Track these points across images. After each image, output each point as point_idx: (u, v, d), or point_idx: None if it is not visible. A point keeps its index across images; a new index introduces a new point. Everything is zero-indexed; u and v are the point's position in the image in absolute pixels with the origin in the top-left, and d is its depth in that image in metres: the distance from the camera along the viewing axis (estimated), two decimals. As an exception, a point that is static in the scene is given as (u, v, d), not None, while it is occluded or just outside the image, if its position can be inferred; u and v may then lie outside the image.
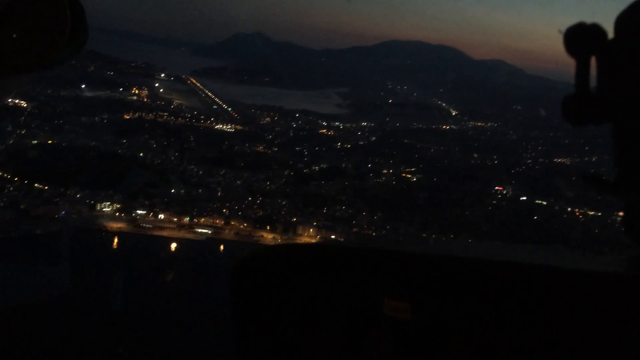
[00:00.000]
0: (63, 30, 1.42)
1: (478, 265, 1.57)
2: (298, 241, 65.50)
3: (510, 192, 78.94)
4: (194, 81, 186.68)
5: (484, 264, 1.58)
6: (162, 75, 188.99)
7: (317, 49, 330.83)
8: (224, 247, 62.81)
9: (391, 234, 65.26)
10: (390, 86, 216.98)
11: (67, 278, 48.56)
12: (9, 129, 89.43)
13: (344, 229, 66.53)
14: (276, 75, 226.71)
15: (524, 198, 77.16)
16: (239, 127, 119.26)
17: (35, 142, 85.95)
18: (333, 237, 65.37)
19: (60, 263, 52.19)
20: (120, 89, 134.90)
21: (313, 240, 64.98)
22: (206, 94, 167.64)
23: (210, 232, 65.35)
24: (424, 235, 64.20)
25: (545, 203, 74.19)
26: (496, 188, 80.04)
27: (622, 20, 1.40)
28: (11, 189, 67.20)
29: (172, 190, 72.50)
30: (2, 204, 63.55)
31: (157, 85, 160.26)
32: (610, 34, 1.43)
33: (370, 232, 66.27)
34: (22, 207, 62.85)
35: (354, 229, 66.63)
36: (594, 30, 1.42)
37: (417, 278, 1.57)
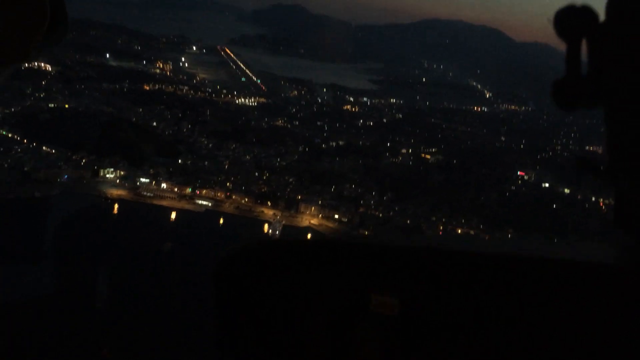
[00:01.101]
0: (41, 22, 1.37)
1: (465, 258, 1.54)
2: (299, 218, 63.42)
3: (533, 178, 74.94)
4: (227, 51, 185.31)
5: (471, 257, 1.55)
6: (194, 48, 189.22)
7: (355, 24, 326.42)
8: (223, 220, 60.88)
9: (399, 215, 62.51)
10: (425, 65, 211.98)
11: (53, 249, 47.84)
12: (29, 91, 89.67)
13: (348, 208, 63.95)
14: (312, 47, 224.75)
15: (547, 185, 73.08)
16: (262, 100, 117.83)
17: (52, 105, 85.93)
18: (336, 216, 63.00)
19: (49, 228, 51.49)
20: (144, 62, 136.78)
21: (314, 220, 62.91)
22: (237, 66, 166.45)
23: (210, 204, 63.67)
24: (434, 218, 61.42)
25: (568, 191, 70.00)
26: (519, 173, 76.10)
27: (614, 3, 1.35)
28: (19, 150, 66.90)
29: (179, 161, 71.01)
30: (6, 165, 62.83)
31: (183, 59, 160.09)
32: (602, 16, 1.38)
33: (376, 212, 63.58)
34: (25, 169, 62.19)
35: (360, 209, 63.99)
36: (585, 12, 1.37)
37: (404, 273, 1.53)
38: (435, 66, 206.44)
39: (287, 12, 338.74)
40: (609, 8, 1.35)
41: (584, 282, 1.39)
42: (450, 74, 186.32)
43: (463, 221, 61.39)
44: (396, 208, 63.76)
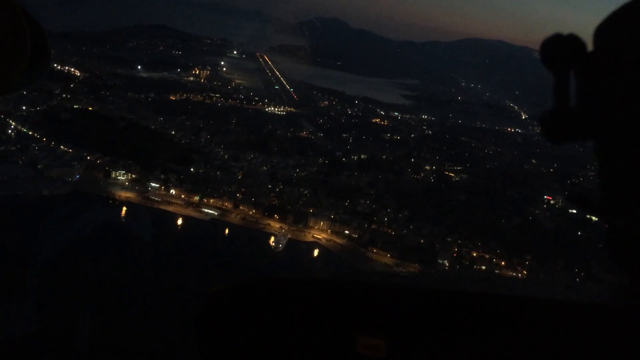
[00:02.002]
0: (22, 57, 1.36)
1: (455, 298, 1.50)
2: (307, 233, 61.36)
3: (560, 203, 71.36)
4: (266, 59, 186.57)
5: (461, 297, 1.51)
6: (235, 52, 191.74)
7: (395, 39, 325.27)
8: (226, 230, 59.42)
9: (412, 234, 59.96)
10: (463, 83, 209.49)
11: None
12: (57, 91, 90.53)
13: (360, 224, 61.58)
14: (349, 60, 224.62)
15: (573, 211, 69.41)
16: (292, 109, 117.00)
17: (76, 106, 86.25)
18: (347, 231, 60.65)
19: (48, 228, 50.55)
20: (178, 70, 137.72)
21: (322, 234, 60.76)
22: (273, 73, 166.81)
23: (216, 213, 62.25)
24: (449, 239, 58.53)
25: (595, 219, 66.24)
26: (545, 197, 72.63)
27: (602, 31, 1.30)
28: (36, 148, 67.01)
29: (192, 169, 69.84)
30: (20, 162, 63.09)
31: (222, 63, 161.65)
32: (590, 45, 1.33)
33: (389, 230, 61.10)
34: (39, 167, 62.41)
35: (373, 226, 61.57)
36: (572, 41, 1.31)
37: (391, 314, 1.49)
38: (472, 85, 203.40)
39: (328, 25, 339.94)
40: (597, 37, 1.30)
41: (573, 323, 1.35)
42: (487, 94, 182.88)
43: (480, 244, 58.35)
44: (411, 227, 61.13)
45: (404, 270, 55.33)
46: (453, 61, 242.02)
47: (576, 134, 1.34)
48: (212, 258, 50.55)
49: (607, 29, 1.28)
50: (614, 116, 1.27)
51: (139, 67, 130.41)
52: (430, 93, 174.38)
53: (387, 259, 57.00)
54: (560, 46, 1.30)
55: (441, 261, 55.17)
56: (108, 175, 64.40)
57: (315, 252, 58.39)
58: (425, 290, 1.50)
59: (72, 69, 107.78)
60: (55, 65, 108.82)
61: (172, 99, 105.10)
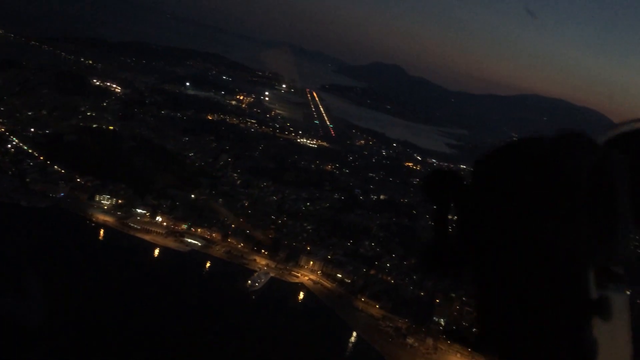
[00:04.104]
0: None
1: None
2: (296, 273, 55.73)
3: None
4: (314, 95, 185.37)
5: None
6: (284, 85, 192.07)
7: (451, 89, 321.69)
8: (205, 264, 53.92)
9: (412, 284, 53.65)
10: (515, 138, 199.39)
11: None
12: (83, 109, 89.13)
13: (357, 268, 55.41)
14: (400, 105, 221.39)
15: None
16: (325, 143, 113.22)
17: (95, 125, 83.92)
18: (339, 275, 54.55)
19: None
20: (223, 92, 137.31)
21: (312, 276, 54.96)
22: (317, 108, 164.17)
23: (200, 244, 56.68)
24: (453, 295, 51.77)
25: (629, 293, 58.23)
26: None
27: (479, 166, 1.33)
28: (30, 164, 65.12)
29: (192, 195, 65.59)
30: (10, 172, 61.51)
31: (267, 93, 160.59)
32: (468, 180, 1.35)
33: (388, 278, 54.90)
34: (27, 179, 60.67)
35: (372, 271, 55.36)
36: (450, 176, 1.37)
37: None
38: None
39: (386, 70, 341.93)
40: (474, 172, 1.32)
41: None
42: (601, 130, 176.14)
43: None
44: (414, 277, 54.63)
45: (390, 324, 49.11)
46: (508, 115, 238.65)
47: (454, 267, 1.33)
48: (165, 293, 46.04)
49: (484, 164, 1.31)
50: (489, 248, 1.26)
51: (188, 84, 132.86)
52: (477, 144, 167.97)
53: (375, 309, 50.18)
54: (439, 181, 1.35)
55: (437, 319, 48.32)
56: (92, 197, 60.86)
57: (297, 295, 51.85)
58: None
59: (114, 85, 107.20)
60: (94, 80, 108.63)
61: (208, 119, 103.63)
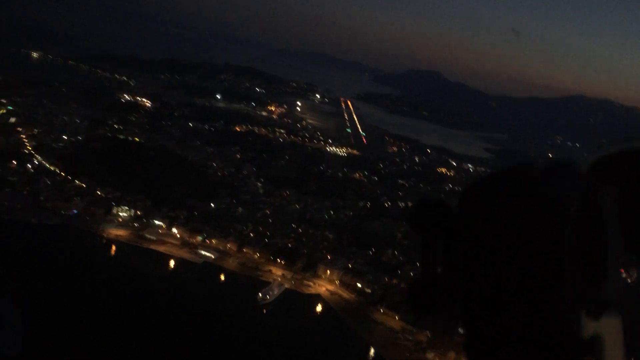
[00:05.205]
0: None
1: None
2: (313, 283, 52.90)
3: (635, 277, 58.84)
4: (348, 104, 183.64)
5: None
6: (317, 95, 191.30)
7: (492, 93, 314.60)
8: (217, 276, 51.77)
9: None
10: (559, 141, 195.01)
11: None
12: (110, 121, 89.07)
13: (378, 277, 52.31)
14: (437, 111, 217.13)
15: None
16: (355, 151, 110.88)
17: (121, 136, 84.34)
18: (359, 284, 51.50)
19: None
20: (253, 104, 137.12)
21: (330, 286, 52.07)
22: (350, 117, 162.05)
23: (213, 256, 54.55)
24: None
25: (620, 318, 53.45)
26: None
27: (466, 196, 1.28)
28: (48, 182, 63.56)
29: (212, 205, 63.91)
30: (25, 191, 60.04)
31: (299, 103, 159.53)
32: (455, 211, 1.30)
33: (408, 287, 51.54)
34: (41, 197, 59.22)
35: (393, 280, 52.18)
36: (438, 206, 1.31)
37: None
38: (569, 144, 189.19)
39: (423, 77, 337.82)
40: (460, 203, 1.28)
41: None
42: (585, 154, 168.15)
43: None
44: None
45: (410, 338, 45.75)
46: (552, 118, 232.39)
47: (443, 301, 1.29)
48: (172, 306, 44.36)
49: (470, 195, 1.27)
50: (478, 281, 1.22)
51: (218, 96, 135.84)
52: (517, 148, 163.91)
53: (394, 322, 47.00)
54: (427, 211, 1.29)
55: (461, 331, 44.68)
56: (109, 211, 59.20)
57: (312, 308, 49.00)
58: None
59: (143, 99, 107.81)
60: (124, 95, 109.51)
61: (236, 130, 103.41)
